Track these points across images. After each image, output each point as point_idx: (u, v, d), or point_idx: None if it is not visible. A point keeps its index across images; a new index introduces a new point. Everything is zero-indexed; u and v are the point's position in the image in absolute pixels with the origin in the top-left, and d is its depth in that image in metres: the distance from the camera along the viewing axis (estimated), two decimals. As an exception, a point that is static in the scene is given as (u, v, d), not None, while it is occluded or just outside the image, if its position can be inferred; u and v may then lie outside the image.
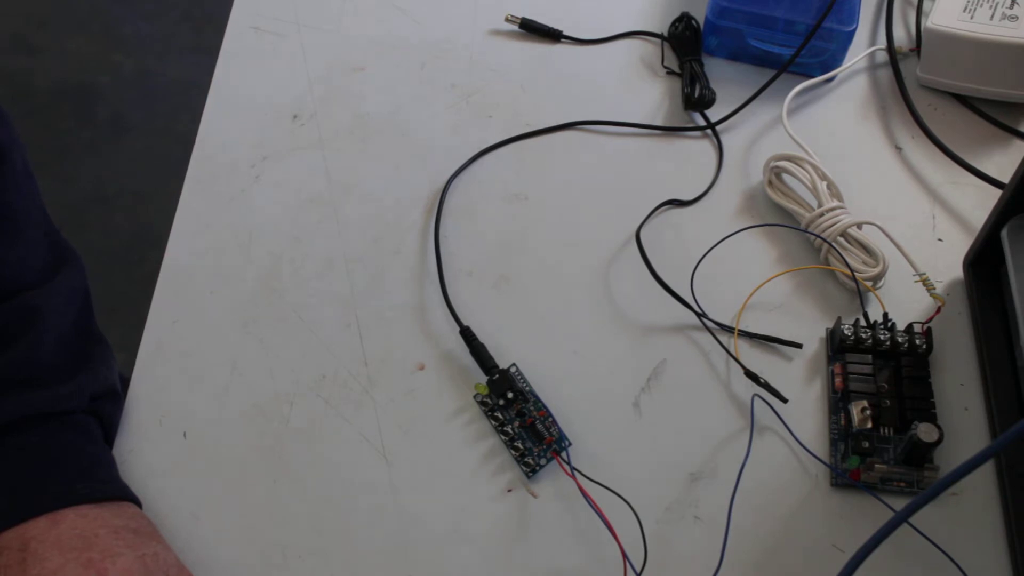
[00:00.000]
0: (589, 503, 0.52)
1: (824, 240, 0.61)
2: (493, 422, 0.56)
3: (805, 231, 0.62)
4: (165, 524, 0.53)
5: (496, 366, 0.57)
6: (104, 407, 0.55)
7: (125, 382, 0.58)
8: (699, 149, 0.69)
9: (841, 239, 0.61)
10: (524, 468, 0.55)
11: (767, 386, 0.57)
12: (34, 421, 0.51)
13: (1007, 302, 0.58)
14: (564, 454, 0.55)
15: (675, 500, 0.55)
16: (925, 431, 0.52)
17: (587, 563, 0.53)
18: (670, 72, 0.72)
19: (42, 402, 0.52)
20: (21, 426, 0.51)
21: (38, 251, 0.55)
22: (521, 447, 0.55)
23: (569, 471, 0.54)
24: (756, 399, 0.57)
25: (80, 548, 0.48)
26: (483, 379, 0.57)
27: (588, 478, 0.53)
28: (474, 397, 0.57)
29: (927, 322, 0.59)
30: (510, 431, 0.56)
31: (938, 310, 0.59)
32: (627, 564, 0.50)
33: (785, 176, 0.65)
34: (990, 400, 0.57)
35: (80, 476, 0.51)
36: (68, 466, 0.51)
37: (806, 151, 0.64)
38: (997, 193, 0.59)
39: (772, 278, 0.62)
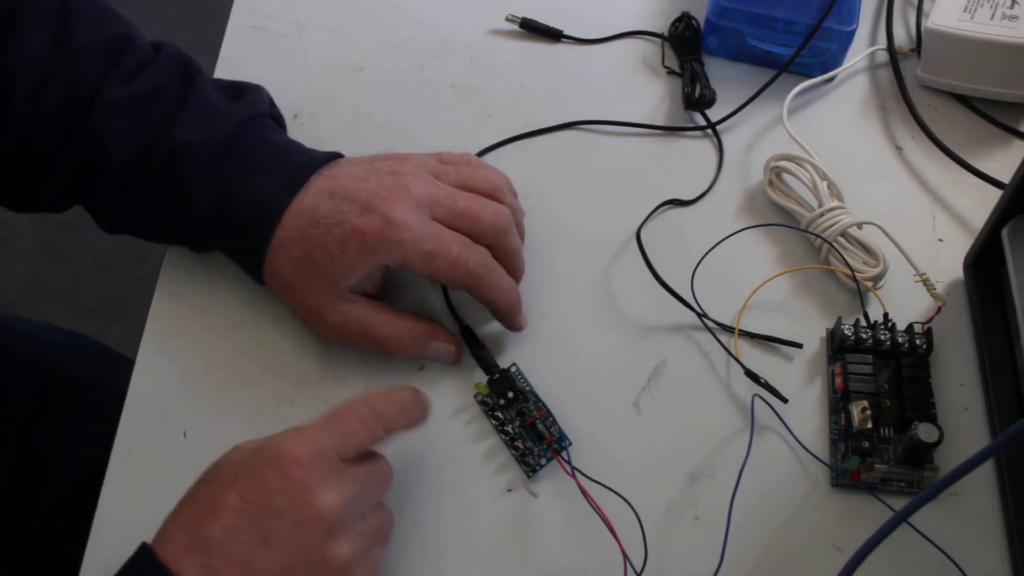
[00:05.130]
0: (589, 503, 0.52)
1: (824, 240, 0.61)
2: (493, 422, 0.56)
3: (805, 231, 0.62)
4: (165, 524, 0.53)
5: (496, 366, 0.57)
6: (275, 116, 0.62)
7: (125, 382, 0.58)
8: (699, 149, 0.68)
9: (841, 239, 0.61)
10: (524, 468, 0.55)
11: (767, 386, 0.57)
12: (255, 119, 0.58)
13: (1007, 302, 0.58)
14: (564, 454, 0.55)
15: (675, 500, 0.55)
16: (925, 431, 0.52)
17: (587, 563, 0.53)
18: (670, 72, 0.72)
19: (240, 110, 0.58)
20: (248, 125, 0.57)
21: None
22: (521, 447, 0.55)
23: (569, 471, 0.54)
24: (756, 399, 0.57)
25: (372, 173, 0.55)
26: (483, 379, 0.57)
27: (588, 478, 0.53)
28: (474, 397, 0.57)
29: (927, 322, 0.59)
30: (510, 431, 0.56)
31: (938, 310, 0.59)
32: (627, 564, 0.50)
33: (785, 176, 0.65)
34: (990, 400, 0.57)
35: (307, 151, 0.58)
36: (295, 145, 0.59)
37: (806, 151, 0.64)
38: (997, 193, 0.59)
39: (772, 278, 0.62)
